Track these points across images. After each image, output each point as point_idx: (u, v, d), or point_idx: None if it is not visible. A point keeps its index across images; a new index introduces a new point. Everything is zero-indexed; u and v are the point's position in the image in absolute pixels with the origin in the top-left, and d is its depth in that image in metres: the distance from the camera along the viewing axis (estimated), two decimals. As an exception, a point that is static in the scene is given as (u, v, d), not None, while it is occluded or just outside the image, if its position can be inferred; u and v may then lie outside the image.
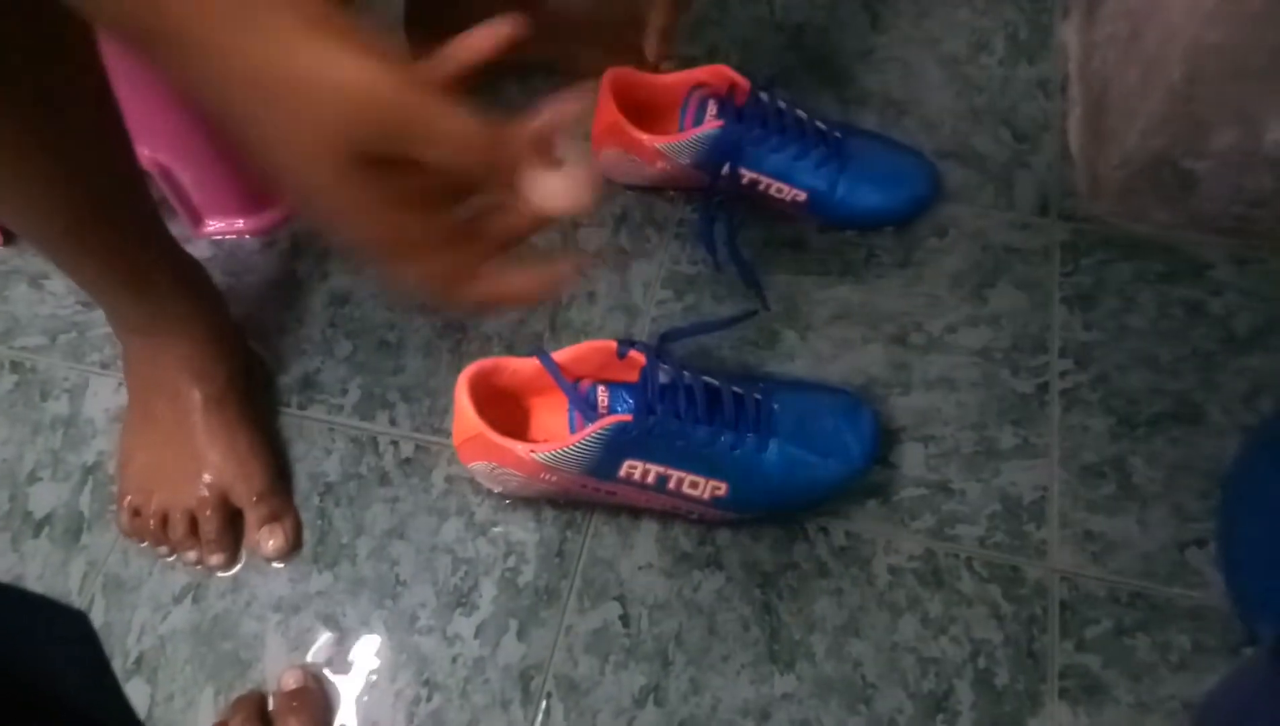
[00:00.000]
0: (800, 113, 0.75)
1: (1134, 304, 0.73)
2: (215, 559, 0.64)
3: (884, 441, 0.68)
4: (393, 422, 0.70)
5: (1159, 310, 0.73)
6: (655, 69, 0.83)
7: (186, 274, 0.64)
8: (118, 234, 0.58)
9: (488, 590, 0.64)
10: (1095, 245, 0.76)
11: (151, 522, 0.64)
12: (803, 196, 0.75)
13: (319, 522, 0.67)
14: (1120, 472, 0.67)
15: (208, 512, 0.64)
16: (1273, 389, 0.69)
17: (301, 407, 0.71)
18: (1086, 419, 0.69)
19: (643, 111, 0.78)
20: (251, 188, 0.77)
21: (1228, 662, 0.60)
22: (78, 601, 0.64)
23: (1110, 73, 0.77)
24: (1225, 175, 0.71)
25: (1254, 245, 0.75)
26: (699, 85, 0.76)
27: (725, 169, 0.74)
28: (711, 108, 0.76)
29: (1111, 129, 0.75)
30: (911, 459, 0.68)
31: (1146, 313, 0.73)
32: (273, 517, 0.65)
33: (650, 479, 0.61)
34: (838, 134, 0.76)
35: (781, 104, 0.74)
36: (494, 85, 0.86)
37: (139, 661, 0.63)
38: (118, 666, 0.62)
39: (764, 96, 0.74)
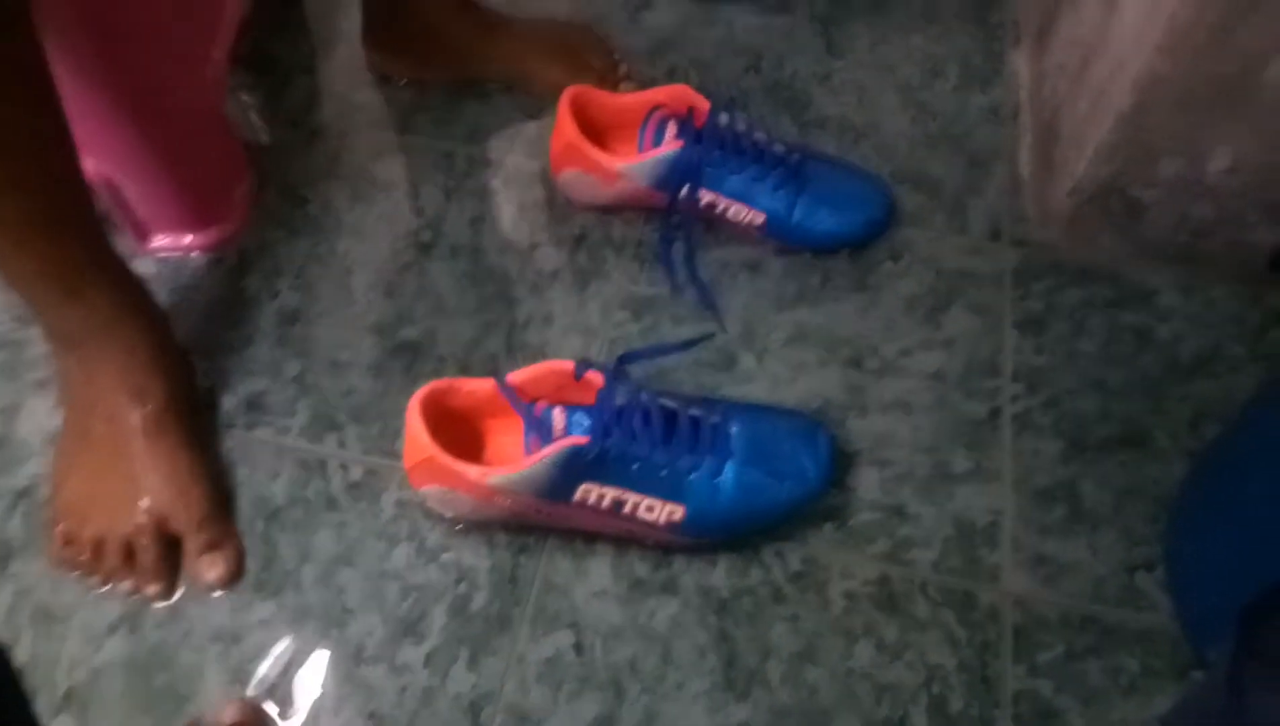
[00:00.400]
0: (759, 135, 0.75)
1: (1083, 329, 0.74)
2: (152, 589, 0.62)
3: (840, 464, 0.68)
4: (342, 445, 0.69)
5: (1108, 335, 0.74)
6: (614, 88, 0.84)
7: (126, 289, 0.62)
8: (57, 243, 0.56)
9: (438, 618, 0.63)
10: (1046, 271, 0.77)
11: (85, 551, 0.62)
12: (760, 218, 0.75)
13: (263, 549, 0.65)
14: (1071, 496, 0.67)
15: (145, 540, 0.61)
16: (1216, 414, 0.70)
17: (247, 429, 0.69)
18: (1038, 443, 0.70)
19: (602, 131, 0.78)
20: (199, 203, 0.75)
21: (1176, 685, 0.61)
22: (3, 633, 0.61)
23: (1060, 101, 0.79)
24: (1171, 204, 0.73)
25: (1198, 273, 0.77)
26: (658, 106, 0.76)
27: (684, 190, 0.74)
28: (671, 129, 0.76)
29: (1062, 157, 0.77)
30: (867, 482, 0.68)
31: (1096, 338, 0.74)
32: (213, 545, 0.63)
33: (606, 503, 0.60)
34: (795, 157, 0.76)
35: (741, 126, 0.75)
36: (455, 103, 0.85)
37: (68, 696, 0.60)
38: (45, 701, 0.59)
39: (723, 118, 0.74)
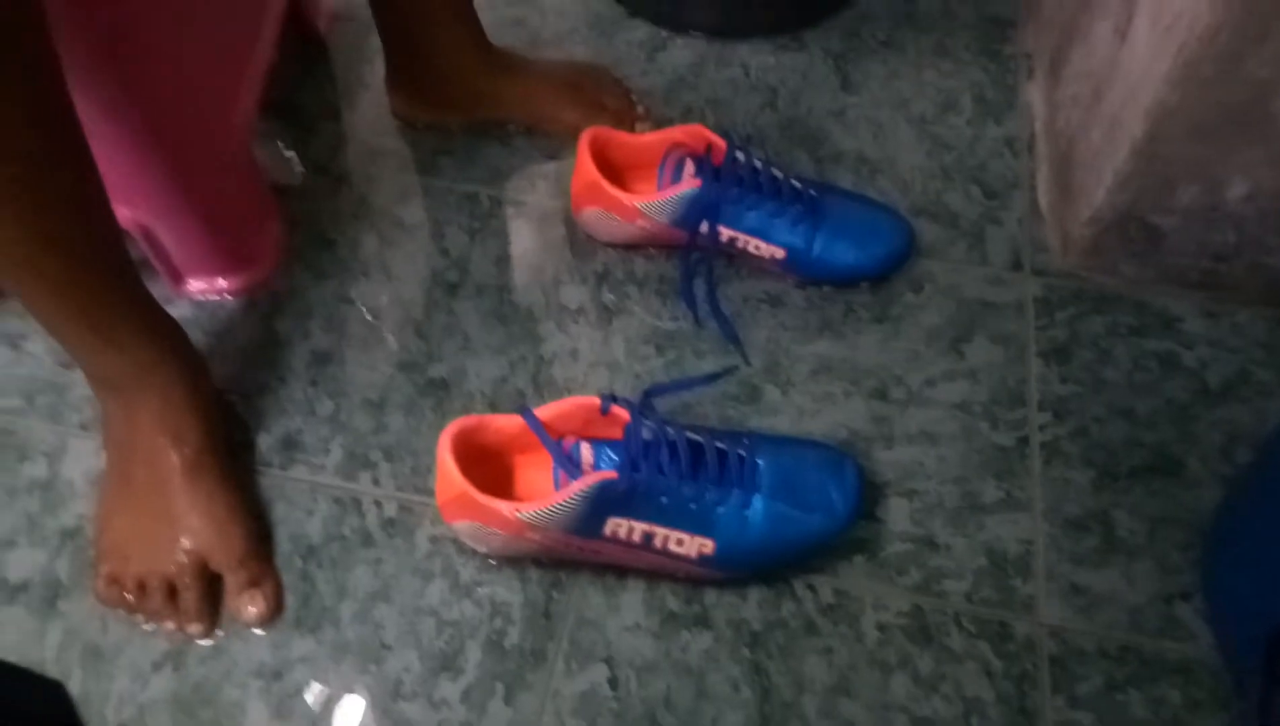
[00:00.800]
0: (776, 171, 0.76)
1: (1109, 357, 0.75)
2: (194, 628, 0.63)
3: (868, 496, 0.68)
4: (375, 482, 0.70)
5: (1133, 363, 0.74)
6: (631, 128, 0.85)
7: (163, 333, 0.64)
8: (94, 293, 0.57)
9: (473, 653, 0.63)
10: (1067, 299, 0.78)
11: (129, 590, 0.62)
12: (780, 253, 0.76)
13: (301, 586, 0.65)
14: (1103, 525, 0.67)
15: (186, 580, 0.62)
16: (1248, 440, 0.70)
17: (283, 468, 0.70)
18: (1067, 471, 0.70)
19: (621, 171, 0.79)
20: (231, 247, 0.77)
21: (1220, 717, 0.60)
22: (54, 671, 0.62)
23: (1075, 131, 0.80)
24: (1191, 230, 0.73)
25: (1221, 298, 0.77)
26: (676, 145, 0.77)
27: (704, 227, 0.75)
28: (689, 167, 0.77)
29: (1079, 186, 0.77)
30: (896, 513, 0.68)
31: (1121, 365, 0.74)
32: (253, 583, 0.64)
33: (636, 537, 0.60)
34: (813, 192, 0.77)
35: (757, 163, 0.76)
36: (476, 146, 0.87)
37: (115, 733, 0.61)
38: (93, 739, 0.60)
39: (740, 155, 0.75)
